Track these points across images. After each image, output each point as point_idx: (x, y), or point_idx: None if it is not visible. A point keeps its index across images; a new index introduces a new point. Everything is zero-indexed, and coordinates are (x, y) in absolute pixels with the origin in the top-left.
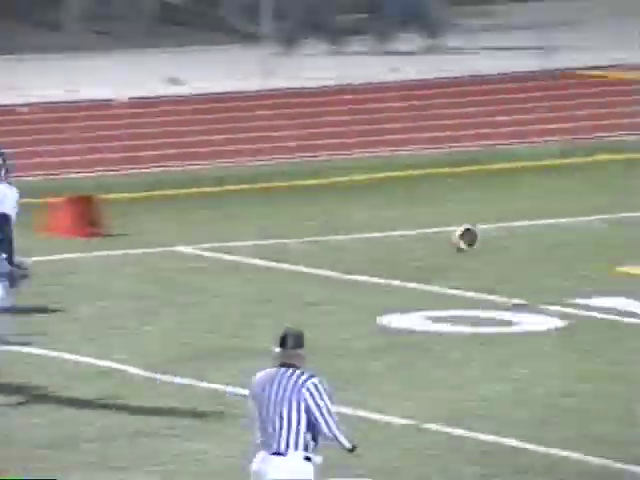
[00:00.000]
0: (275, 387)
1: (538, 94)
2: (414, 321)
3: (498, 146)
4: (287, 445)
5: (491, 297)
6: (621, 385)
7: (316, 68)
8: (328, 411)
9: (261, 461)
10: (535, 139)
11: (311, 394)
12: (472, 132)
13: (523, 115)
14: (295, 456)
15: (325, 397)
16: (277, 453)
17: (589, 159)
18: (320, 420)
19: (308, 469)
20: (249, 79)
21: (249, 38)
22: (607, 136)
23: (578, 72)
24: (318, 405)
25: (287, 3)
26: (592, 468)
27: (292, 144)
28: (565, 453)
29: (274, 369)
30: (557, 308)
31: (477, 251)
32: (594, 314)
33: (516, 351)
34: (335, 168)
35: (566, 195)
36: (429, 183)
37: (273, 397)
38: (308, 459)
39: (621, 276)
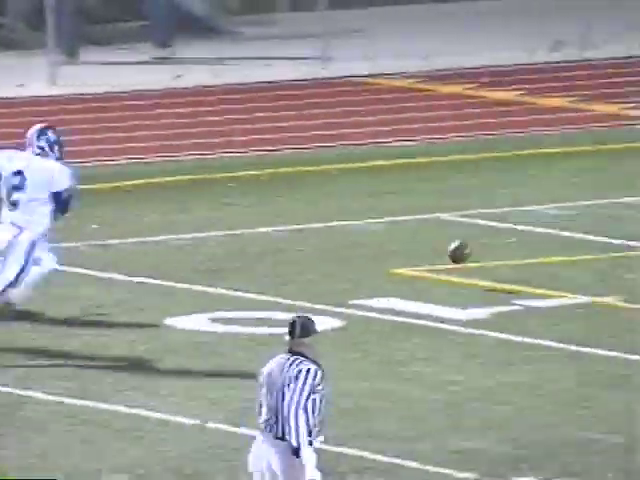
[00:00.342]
0: (279, 374)
1: (316, 101)
2: (199, 323)
3: (285, 151)
4: (289, 430)
5: (275, 299)
6: (398, 383)
7: (97, 76)
8: (298, 395)
9: (263, 442)
10: (316, 144)
11: (297, 377)
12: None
13: (304, 121)
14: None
15: (303, 383)
16: (280, 438)
17: (366, 164)
18: (285, 403)
19: (310, 455)
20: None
21: (32, 46)
22: (384, 142)
23: (354, 80)
24: (293, 387)
25: (66, 14)
26: (371, 464)
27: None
28: (342, 450)
29: (282, 356)
30: (335, 309)
31: (263, 254)
32: (371, 314)
33: None
34: (119, 173)
35: (345, 199)
36: (210, 186)
37: (278, 384)
38: (310, 443)
39: (397, 277)
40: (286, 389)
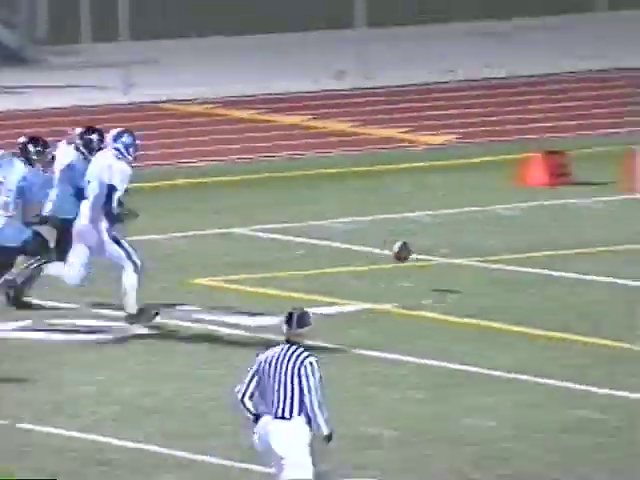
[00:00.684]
0: (279, 362)
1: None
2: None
3: None
4: (290, 411)
5: (77, 306)
6: (203, 385)
7: None
8: (315, 391)
9: (266, 424)
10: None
11: (305, 371)
12: None
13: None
14: (297, 420)
15: (315, 378)
16: (282, 418)
17: (168, 182)
18: (306, 398)
19: (307, 430)
20: None
21: None
22: (184, 162)
23: (153, 106)
24: (308, 383)
25: None
26: (169, 460)
27: None
28: (143, 446)
29: (280, 346)
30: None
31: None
32: (172, 322)
33: (105, 355)
34: None
35: (152, 215)
36: None
37: (278, 370)
38: (309, 423)
39: (196, 287)
40: (295, 378)
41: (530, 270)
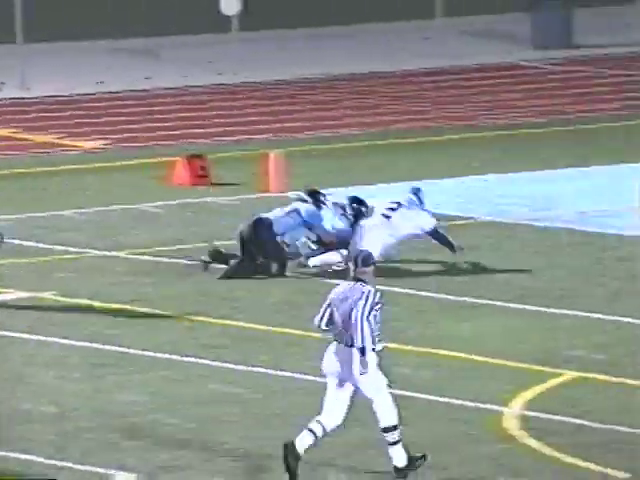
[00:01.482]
0: (347, 295)
1: None
2: None
3: None
4: (357, 338)
5: None
6: None
7: None
8: (363, 310)
9: (335, 350)
10: None
11: (360, 298)
12: None
13: None
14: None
15: (368, 306)
16: (349, 345)
17: None
18: (358, 325)
19: (372, 358)
20: None
21: None
22: None
23: None
24: (364, 310)
25: None
26: None
27: None
28: None
29: (348, 282)
30: None
31: None
32: None
33: None
34: None
35: None
36: None
37: (345, 303)
38: (372, 349)
39: None
40: (354, 307)
41: (177, 261)
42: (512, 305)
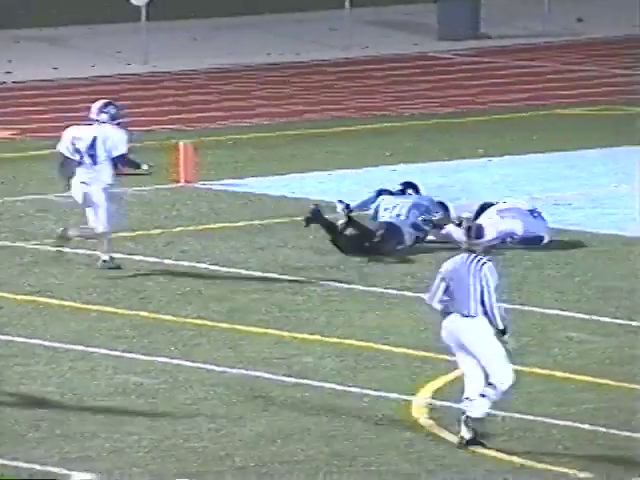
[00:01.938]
0: (463, 268)
1: None
2: None
3: None
4: (475, 310)
5: None
6: None
7: None
8: (494, 292)
9: (454, 321)
10: None
11: (485, 275)
12: None
13: None
14: (481, 318)
15: (493, 280)
16: (467, 316)
17: None
18: (486, 298)
19: (490, 326)
20: None
21: None
22: None
23: None
24: (488, 285)
25: None
26: None
27: None
28: None
29: (462, 255)
30: None
31: None
32: None
33: None
34: None
35: None
36: None
37: (462, 275)
38: (489, 321)
39: None
40: (476, 280)
41: (86, 252)
42: (420, 295)
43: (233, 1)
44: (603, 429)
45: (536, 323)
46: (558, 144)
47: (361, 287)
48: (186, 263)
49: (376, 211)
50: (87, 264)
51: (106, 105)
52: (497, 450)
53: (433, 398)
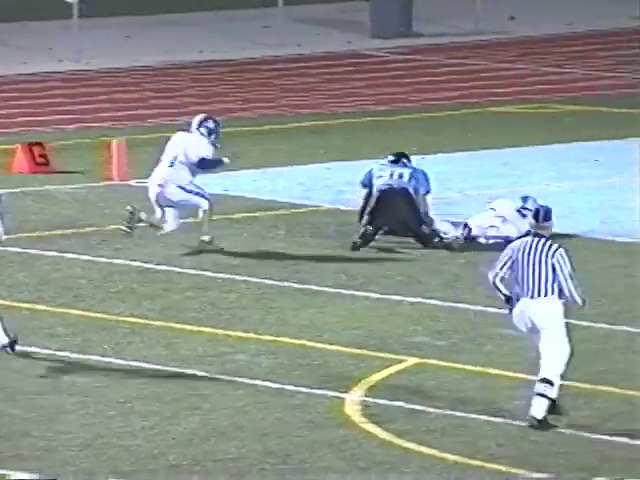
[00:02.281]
0: (532, 251)
1: None
2: None
3: None
4: (546, 291)
5: None
6: None
7: None
8: (570, 276)
9: (525, 304)
10: None
11: (558, 261)
12: None
13: None
14: (552, 298)
15: (569, 265)
16: (539, 296)
17: None
18: (563, 283)
19: (561, 308)
20: None
21: None
22: None
23: None
24: (563, 271)
25: None
26: None
27: None
28: None
29: (528, 238)
30: None
31: None
32: None
33: None
34: None
35: None
36: None
37: (532, 257)
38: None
39: None
40: (549, 264)
41: (17, 250)
42: (353, 292)
43: None
44: None
45: (469, 320)
46: (491, 142)
47: (295, 285)
48: (119, 261)
49: (370, 176)
50: (19, 262)
51: (206, 119)
52: (430, 447)
53: (366, 396)
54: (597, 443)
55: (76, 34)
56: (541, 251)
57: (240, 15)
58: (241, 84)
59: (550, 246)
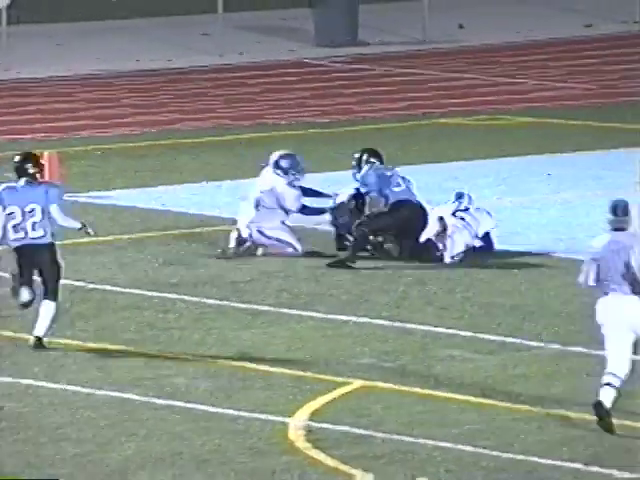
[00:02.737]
0: (614, 246)
1: None
2: None
3: None
4: (628, 289)
5: None
6: None
7: None
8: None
9: (611, 301)
10: None
11: (634, 252)
12: None
13: None
14: (634, 297)
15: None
16: (622, 293)
17: None
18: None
19: None
20: None
21: None
22: None
23: None
24: (636, 262)
25: None
26: None
27: None
28: None
29: (609, 233)
30: None
31: None
32: None
33: None
34: None
35: None
36: None
37: (614, 254)
38: None
39: None
40: (631, 257)
41: None
42: (297, 312)
43: (99, 4)
44: (486, 451)
45: (417, 341)
46: (440, 155)
47: (235, 304)
48: None
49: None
50: None
51: (281, 157)
52: (377, 473)
53: (310, 420)
54: (546, 469)
55: (4, 42)
56: (623, 246)
57: (178, 22)
58: (180, 94)
59: (630, 240)
